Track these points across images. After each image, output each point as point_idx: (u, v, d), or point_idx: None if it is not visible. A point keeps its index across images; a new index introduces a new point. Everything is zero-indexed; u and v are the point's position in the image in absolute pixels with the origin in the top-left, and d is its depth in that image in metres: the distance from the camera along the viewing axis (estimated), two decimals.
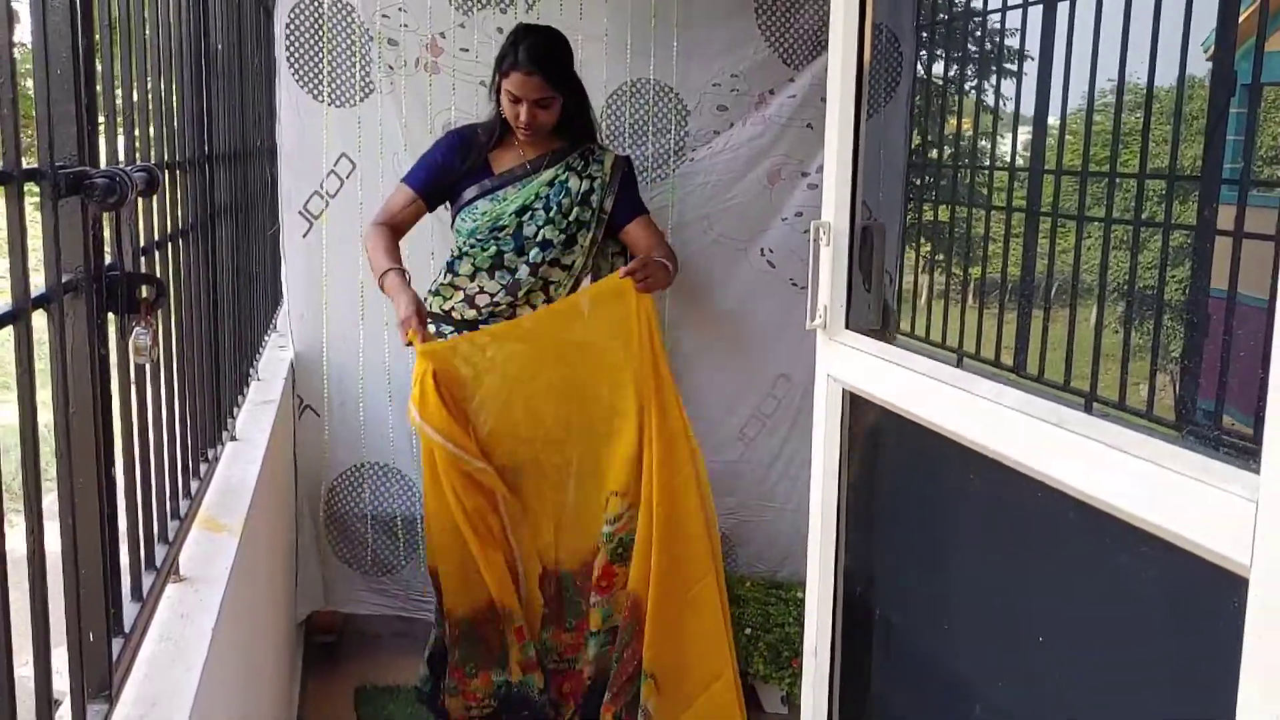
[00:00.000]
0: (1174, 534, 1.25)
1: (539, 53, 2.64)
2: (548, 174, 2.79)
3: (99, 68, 1.33)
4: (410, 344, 2.59)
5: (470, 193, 2.78)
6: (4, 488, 0.97)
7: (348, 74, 3.07)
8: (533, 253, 2.77)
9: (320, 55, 3.05)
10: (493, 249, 2.77)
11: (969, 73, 2.84)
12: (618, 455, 2.73)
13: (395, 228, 2.81)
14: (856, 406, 2.00)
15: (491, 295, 2.78)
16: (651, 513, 2.67)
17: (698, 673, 2.75)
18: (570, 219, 2.79)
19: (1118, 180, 2.45)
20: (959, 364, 1.82)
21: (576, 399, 2.74)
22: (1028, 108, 2.60)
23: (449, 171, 2.79)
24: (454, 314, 2.82)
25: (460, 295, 2.81)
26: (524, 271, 2.76)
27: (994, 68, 2.73)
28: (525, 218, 2.77)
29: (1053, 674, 1.62)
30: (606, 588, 2.81)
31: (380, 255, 2.75)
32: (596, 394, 2.73)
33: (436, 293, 2.86)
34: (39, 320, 1.08)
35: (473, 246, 2.78)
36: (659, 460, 2.66)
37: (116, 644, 1.31)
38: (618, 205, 2.85)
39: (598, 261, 2.91)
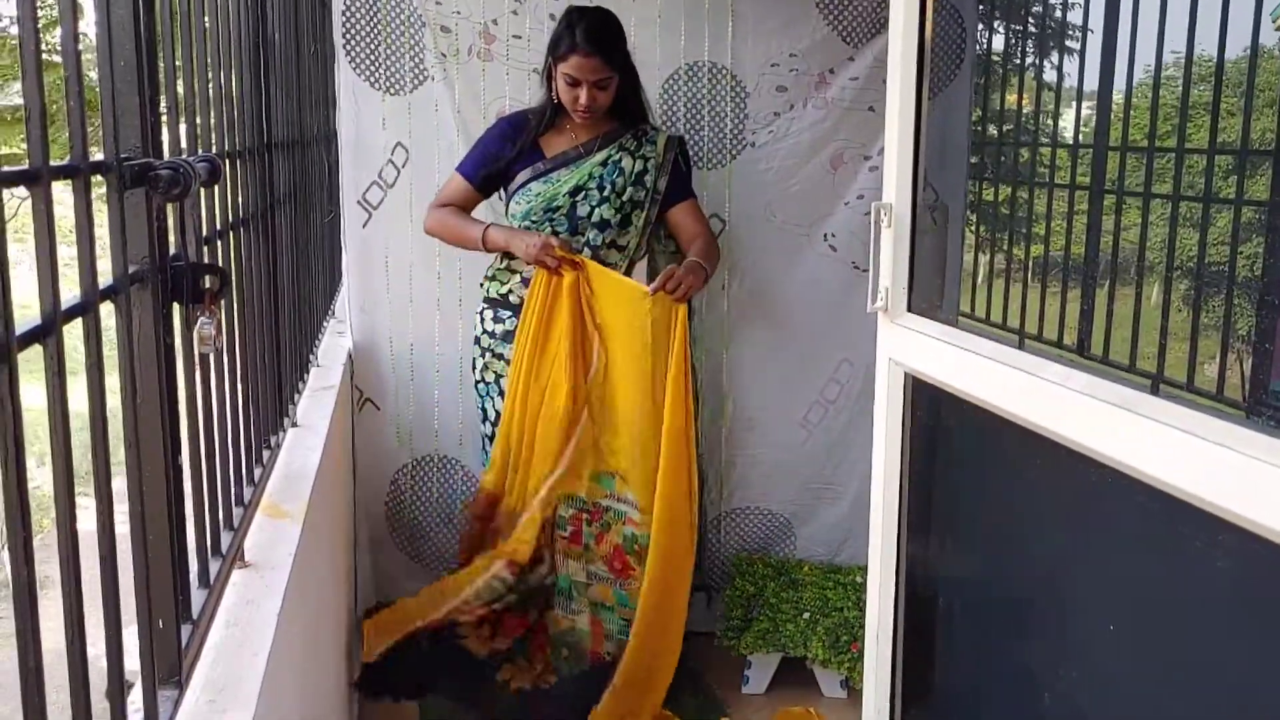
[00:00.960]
0: (1246, 519, 1.22)
1: (596, 34, 2.64)
2: (601, 155, 2.79)
3: (161, 59, 1.34)
4: (560, 259, 2.66)
5: (523, 175, 2.78)
6: (74, 472, 0.99)
7: (402, 62, 3.07)
8: (590, 234, 2.77)
9: (377, 43, 3.06)
10: (547, 230, 2.76)
11: (1032, 49, 2.78)
12: (625, 437, 2.77)
13: (460, 211, 2.84)
14: (918, 390, 1.98)
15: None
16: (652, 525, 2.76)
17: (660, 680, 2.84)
18: (624, 199, 2.79)
19: (1185, 155, 2.39)
20: (1021, 345, 1.79)
21: (616, 373, 2.75)
22: (1092, 83, 2.54)
23: (500, 158, 2.80)
24: (510, 297, 2.83)
25: (517, 278, 2.82)
26: (584, 254, 2.76)
27: (1057, 43, 2.68)
28: (579, 198, 2.77)
29: (1120, 662, 1.59)
30: (622, 571, 2.84)
31: (462, 222, 2.81)
32: (627, 379, 2.74)
33: (493, 278, 2.87)
34: (106, 311, 1.09)
35: (527, 229, 2.78)
36: (666, 473, 2.73)
37: (185, 630, 1.33)
38: (669, 186, 2.84)
39: (651, 244, 2.90)
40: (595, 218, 2.76)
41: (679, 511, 2.77)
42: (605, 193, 2.77)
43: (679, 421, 2.72)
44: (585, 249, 2.78)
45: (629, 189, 2.79)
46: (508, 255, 2.83)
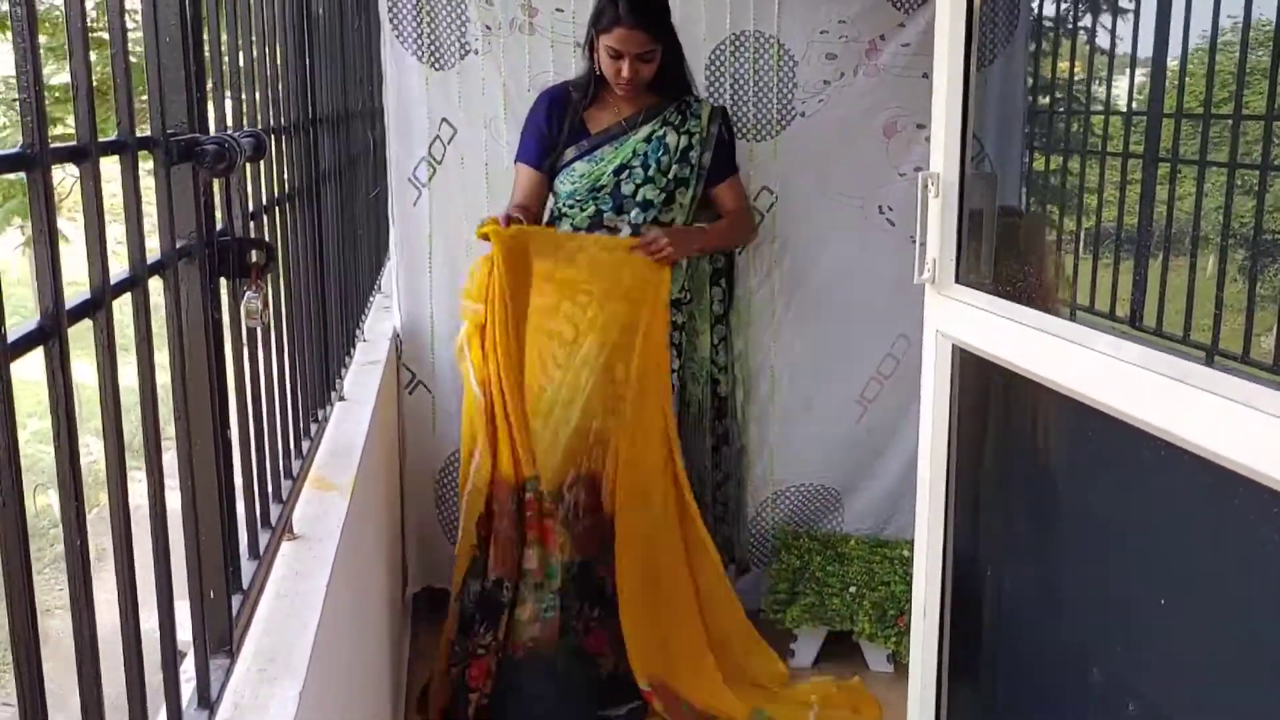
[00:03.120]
0: None
1: (641, 5, 2.62)
2: (644, 130, 2.77)
3: (206, 35, 1.35)
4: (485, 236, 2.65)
5: (569, 154, 2.78)
6: (126, 446, 1.00)
7: (447, 35, 3.06)
8: (633, 213, 2.76)
9: (421, 16, 3.05)
10: (591, 209, 2.76)
11: (1085, 13, 2.73)
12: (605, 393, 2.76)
13: (528, 209, 2.82)
14: (966, 362, 1.95)
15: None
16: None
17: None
18: (670, 176, 2.77)
19: (1242, 123, 2.33)
20: (1073, 316, 1.76)
21: (601, 334, 2.75)
22: (1146, 49, 2.49)
23: (550, 136, 2.79)
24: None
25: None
26: (626, 232, 2.75)
27: (1111, 7, 2.62)
28: (623, 176, 2.75)
29: (1172, 639, 1.57)
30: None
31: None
32: (612, 338, 2.75)
33: None
34: (154, 286, 1.10)
35: (570, 207, 2.78)
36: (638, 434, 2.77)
37: (235, 600, 1.34)
38: (713, 161, 2.83)
39: (699, 218, 2.88)
40: (640, 197, 2.75)
41: (653, 484, 2.78)
42: (650, 171, 2.76)
43: (655, 385, 2.75)
44: (627, 228, 2.76)
45: (674, 166, 2.77)
46: None
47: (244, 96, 1.62)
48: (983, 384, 1.98)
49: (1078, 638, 1.80)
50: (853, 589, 3.07)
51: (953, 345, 1.95)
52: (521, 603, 2.77)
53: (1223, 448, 1.31)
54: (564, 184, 2.78)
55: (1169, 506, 1.57)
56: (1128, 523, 1.68)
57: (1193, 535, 1.53)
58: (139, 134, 1.05)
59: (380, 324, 3.26)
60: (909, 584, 2.20)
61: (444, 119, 3.10)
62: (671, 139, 2.77)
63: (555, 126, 2.78)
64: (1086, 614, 1.79)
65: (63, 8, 0.90)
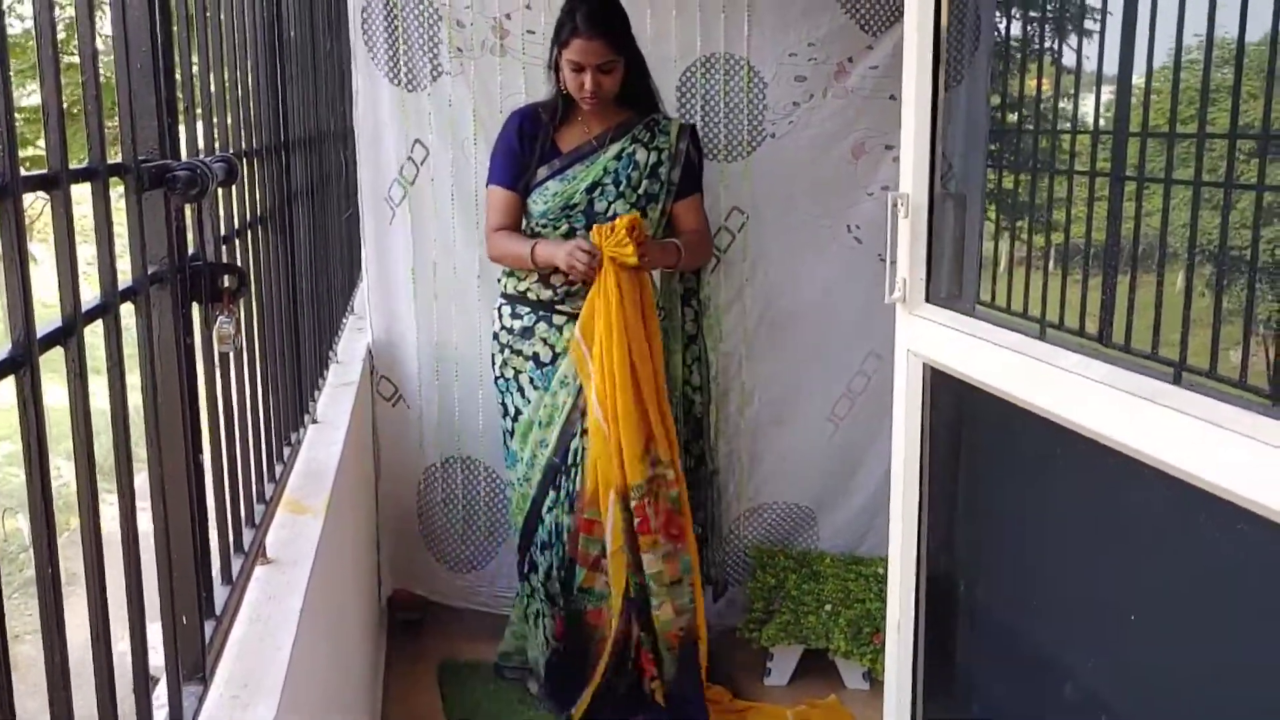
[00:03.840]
0: (1269, 509, 1.21)
1: (598, 16, 2.63)
2: (614, 148, 2.78)
3: (177, 59, 1.35)
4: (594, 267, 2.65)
5: (542, 173, 2.78)
6: (97, 469, 1.00)
7: (419, 57, 3.08)
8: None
9: (394, 38, 3.06)
10: (564, 227, 2.77)
11: (1049, 32, 2.76)
12: (649, 406, 2.75)
13: (510, 228, 2.83)
14: (937, 381, 1.97)
15: (566, 273, 2.77)
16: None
17: None
18: (640, 192, 2.78)
19: (1206, 140, 2.37)
20: (1042, 334, 1.77)
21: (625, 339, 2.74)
22: (1111, 67, 2.52)
23: (522, 156, 2.79)
24: (529, 294, 2.83)
25: (535, 275, 2.81)
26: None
27: (1076, 26, 2.65)
28: (596, 194, 2.76)
29: (1141, 654, 1.59)
30: (679, 537, 2.81)
31: (514, 244, 2.79)
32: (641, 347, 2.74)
33: (510, 274, 2.87)
34: (126, 311, 1.10)
35: (544, 226, 2.78)
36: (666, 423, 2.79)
37: (209, 626, 1.34)
38: (681, 177, 2.84)
39: (667, 234, 2.89)
40: (611, 214, 2.75)
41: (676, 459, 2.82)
42: (621, 188, 2.77)
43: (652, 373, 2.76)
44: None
45: (644, 182, 2.78)
46: None
47: (216, 120, 1.62)
48: (954, 402, 1.99)
49: (1051, 653, 1.82)
50: (828, 607, 3.08)
51: (923, 364, 1.96)
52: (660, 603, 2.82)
53: (1189, 465, 1.33)
54: (537, 203, 2.79)
55: (1139, 523, 1.58)
56: (1098, 539, 1.70)
57: (1161, 551, 1.55)
58: (110, 159, 1.05)
59: (353, 344, 3.25)
60: (884, 601, 2.21)
61: (417, 140, 3.11)
62: (641, 155, 2.79)
63: (526, 147, 2.78)
64: (1059, 630, 1.81)
65: (33, 32, 0.91)
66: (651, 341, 2.74)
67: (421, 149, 3.12)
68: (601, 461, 2.74)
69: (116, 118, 1.16)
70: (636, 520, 2.76)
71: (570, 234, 2.77)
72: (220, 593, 1.44)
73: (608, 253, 2.62)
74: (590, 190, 2.76)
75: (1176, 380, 1.45)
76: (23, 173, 0.84)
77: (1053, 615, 1.84)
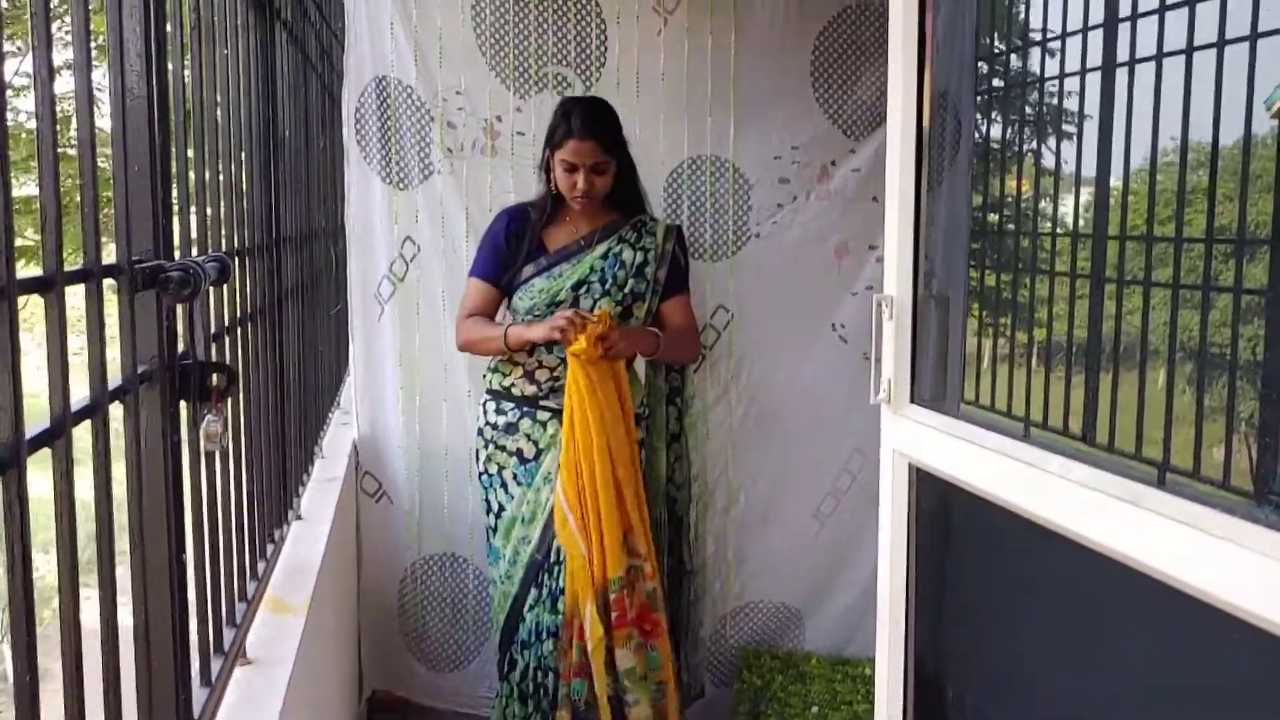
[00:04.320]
0: (1253, 614, 1.21)
1: (593, 118, 2.68)
2: (601, 247, 2.81)
3: (174, 160, 1.37)
4: (581, 342, 2.63)
5: (527, 271, 2.80)
6: (79, 569, 0.99)
7: (410, 156, 3.12)
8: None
9: (386, 137, 3.12)
10: None
11: (1028, 136, 2.83)
12: (626, 498, 2.74)
13: (484, 318, 2.85)
14: (923, 480, 1.97)
15: (551, 369, 2.78)
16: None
17: None
18: (626, 291, 2.81)
19: (1183, 242, 2.41)
20: (1026, 433, 1.79)
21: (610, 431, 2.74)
22: (1089, 169, 2.58)
23: (507, 253, 2.81)
24: (514, 390, 2.83)
25: (520, 371, 2.82)
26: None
27: (1055, 130, 2.72)
28: (581, 291, 2.78)
29: None
30: (652, 632, 2.78)
31: (484, 330, 2.80)
32: (617, 436, 2.74)
33: (495, 369, 2.87)
34: (115, 408, 1.10)
35: (531, 322, 2.78)
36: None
37: None
38: (667, 278, 2.87)
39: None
40: (593, 309, 2.77)
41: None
42: (607, 286, 2.79)
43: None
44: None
45: (630, 281, 2.81)
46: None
47: (210, 215, 1.64)
48: (941, 501, 1.99)
49: None
50: (815, 709, 3.03)
51: (909, 464, 1.97)
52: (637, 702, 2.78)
53: (1174, 569, 1.33)
54: (523, 300, 2.80)
55: (1128, 626, 1.58)
56: (1086, 641, 1.68)
57: (1151, 654, 1.54)
58: (105, 258, 1.06)
59: (339, 439, 3.24)
60: (872, 703, 2.18)
61: (408, 237, 3.15)
62: (628, 255, 2.82)
63: (513, 245, 2.81)
64: None
65: (33, 125, 0.92)
66: (629, 434, 2.74)
67: (412, 246, 3.16)
68: (575, 564, 2.74)
69: (111, 208, 1.17)
70: (614, 614, 2.73)
71: None
72: (199, 695, 1.41)
73: (570, 351, 2.65)
74: (576, 288, 2.78)
75: (1160, 481, 1.46)
76: (19, 274, 0.85)
77: (1041, 718, 1.82)
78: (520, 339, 2.72)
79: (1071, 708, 1.73)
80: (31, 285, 0.89)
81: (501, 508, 2.85)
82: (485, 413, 2.88)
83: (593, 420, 2.67)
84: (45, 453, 0.94)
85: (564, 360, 2.74)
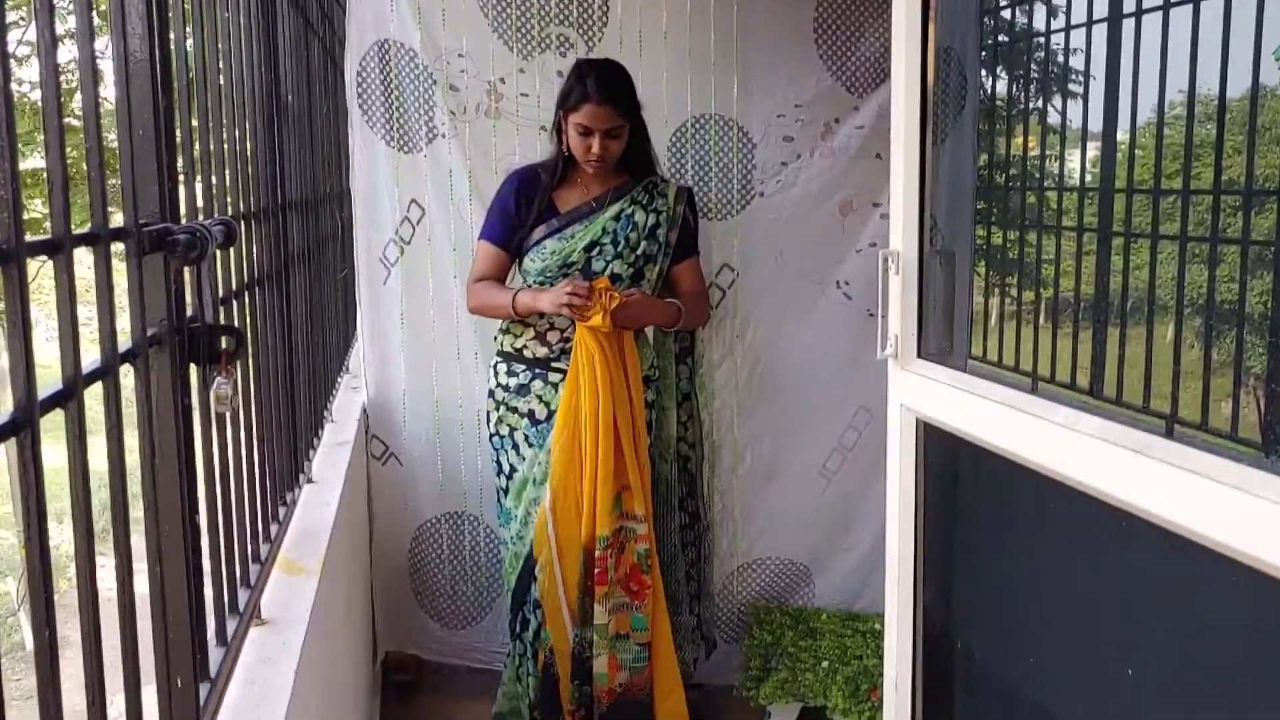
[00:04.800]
0: (1260, 560, 1.22)
1: (608, 83, 2.68)
2: (613, 209, 2.81)
3: (178, 125, 1.37)
4: (588, 293, 2.67)
5: (539, 232, 2.80)
6: (94, 534, 1.00)
7: (414, 119, 3.12)
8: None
9: (390, 101, 3.11)
10: None
11: (1034, 92, 2.81)
12: (626, 457, 2.76)
13: (493, 282, 2.86)
14: (930, 435, 1.98)
15: (562, 331, 2.79)
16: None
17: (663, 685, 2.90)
18: (638, 253, 2.81)
19: (1191, 195, 2.40)
20: (1034, 388, 1.79)
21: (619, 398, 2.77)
22: (1096, 124, 2.56)
23: (516, 217, 2.82)
24: (525, 352, 2.84)
25: (531, 333, 2.83)
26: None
27: (1060, 86, 2.70)
28: (594, 253, 2.79)
29: (1138, 705, 1.58)
30: (638, 593, 2.82)
31: (496, 293, 2.81)
32: (621, 398, 2.77)
33: (507, 330, 2.88)
34: (125, 369, 1.11)
35: (541, 285, 2.79)
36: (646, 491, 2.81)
37: (204, 689, 1.33)
38: (678, 240, 2.88)
39: (663, 295, 2.92)
40: (607, 273, 2.77)
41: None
42: (619, 248, 2.79)
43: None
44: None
45: (642, 243, 2.81)
46: None
47: (215, 182, 1.64)
48: (949, 456, 2.00)
49: (1049, 707, 1.81)
50: (825, 664, 3.06)
51: (916, 419, 1.98)
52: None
53: (1181, 517, 1.34)
54: (534, 261, 2.80)
55: (1135, 576, 1.59)
56: (1093, 591, 1.70)
57: (1158, 603, 1.55)
58: (112, 224, 1.07)
59: (349, 403, 3.26)
60: (882, 658, 2.20)
61: (413, 200, 3.15)
62: (640, 217, 2.82)
63: (523, 207, 2.81)
64: (1056, 682, 1.80)
65: (37, 96, 0.93)
66: (632, 398, 2.75)
67: (418, 209, 3.15)
68: (565, 516, 2.78)
69: (117, 178, 1.18)
70: (596, 570, 2.77)
71: None
72: (215, 655, 1.43)
73: (583, 325, 2.68)
74: (589, 249, 2.78)
75: (1169, 433, 1.46)
76: (27, 238, 0.85)
77: (1050, 670, 1.83)
78: (528, 307, 2.73)
79: (1079, 659, 1.75)
80: (40, 248, 0.89)
81: (513, 469, 2.87)
82: (496, 374, 2.89)
83: (601, 383, 2.68)
84: (59, 423, 0.95)
85: (574, 322, 2.74)
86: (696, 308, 2.93)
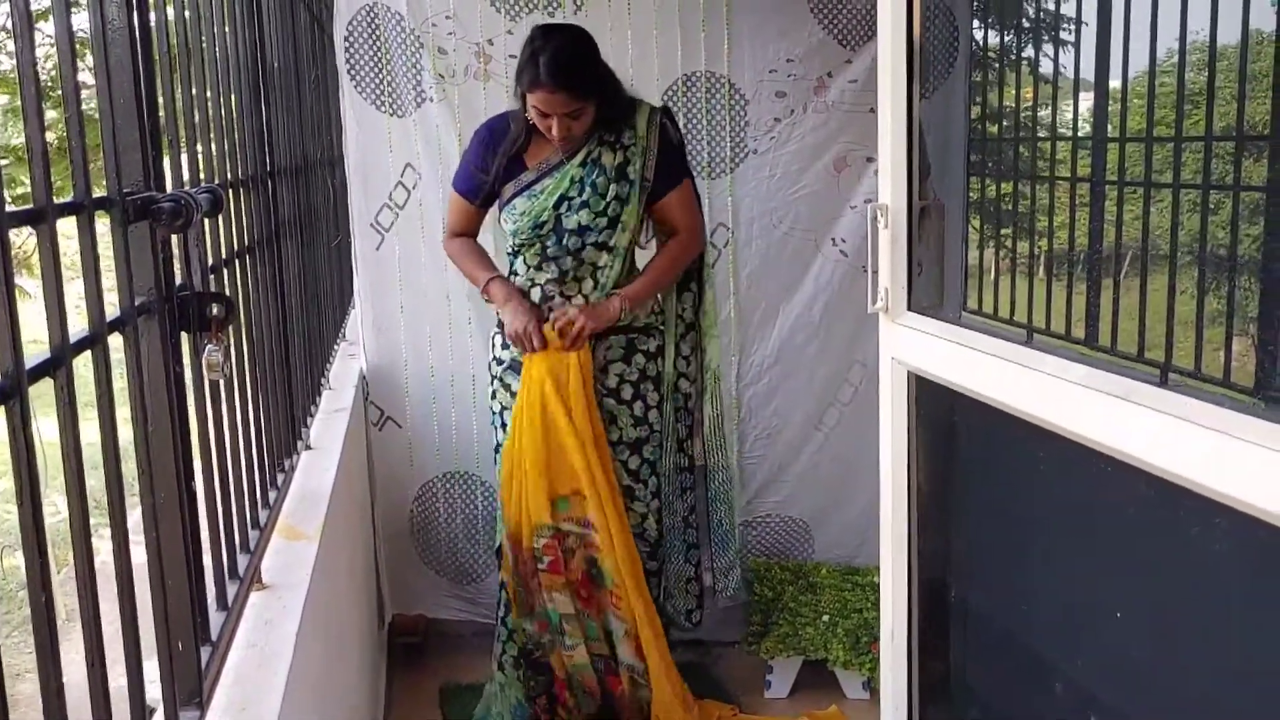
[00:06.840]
0: (1252, 506, 1.23)
1: (561, 66, 2.48)
2: (580, 155, 2.66)
3: (160, 92, 1.37)
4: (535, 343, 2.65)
5: (508, 190, 2.72)
6: (90, 503, 1.01)
7: (403, 83, 3.10)
8: (571, 241, 2.68)
9: (379, 65, 3.09)
10: (537, 246, 2.70)
11: (1025, 42, 2.79)
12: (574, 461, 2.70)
13: (468, 234, 2.83)
14: (922, 388, 1.99)
15: (542, 286, 2.73)
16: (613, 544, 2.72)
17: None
18: (609, 198, 2.66)
19: (1184, 143, 2.39)
20: (1029, 340, 1.79)
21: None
22: (1088, 73, 2.55)
23: (486, 170, 2.71)
24: None
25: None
26: (568, 262, 2.70)
27: (1050, 35, 2.68)
28: (563, 210, 2.67)
29: (1130, 651, 1.60)
30: (588, 600, 2.81)
31: (473, 266, 2.77)
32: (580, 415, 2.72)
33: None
34: (115, 342, 1.12)
35: (521, 246, 2.72)
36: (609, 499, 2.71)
37: (205, 652, 1.35)
38: (658, 170, 2.70)
39: (657, 238, 2.84)
40: (577, 226, 2.67)
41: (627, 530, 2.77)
42: (585, 196, 2.65)
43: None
44: (571, 257, 2.70)
45: (612, 186, 2.66)
46: (510, 267, 2.80)
47: (200, 150, 1.64)
48: (941, 409, 2.01)
49: (1043, 654, 1.83)
50: (826, 618, 3.09)
51: (908, 372, 1.98)
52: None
53: (1174, 465, 1.35)
54: (508, 223, 2.72)
55: (1129, 525, 1.60)
56: (1086, 541, 1.71)
57: (1151, 552, 1.56)
58: (95, 193, 1.07)
59: (347, 370, 3.27)
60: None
61: (407, 164, 3.14)
62: (607, 158, 2.66)
63: (489, 160, 2.71)
64: (1051, 632, 1.82)
65: (16, 70, 0.93)
66: (589, 399, 2.71)
67: (413, 173, 3.15)
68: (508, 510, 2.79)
69: (101, 151, 1.18)
70: (548, 559, 2.76)
71: (543, 251, 2.70)
72: (216, 618, 1.45)
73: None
74: (557, 206, 2.67)
75: (1162, 381, 1.47)
76: (9, 208, 0.85)
77: (1045, 619, 1.85)
78: (497, 304, 2.72)
79: (1074, 607, 1.76)
80: (23, 217, 0.90)
81: (499, 445, 2.85)
82: (494, 346, 2.85)
83: (549, 394, 2.67)
84: (49, 398, 0.95)
85: (553, 278, 2.70)
86: (682, 250, 2.79)
